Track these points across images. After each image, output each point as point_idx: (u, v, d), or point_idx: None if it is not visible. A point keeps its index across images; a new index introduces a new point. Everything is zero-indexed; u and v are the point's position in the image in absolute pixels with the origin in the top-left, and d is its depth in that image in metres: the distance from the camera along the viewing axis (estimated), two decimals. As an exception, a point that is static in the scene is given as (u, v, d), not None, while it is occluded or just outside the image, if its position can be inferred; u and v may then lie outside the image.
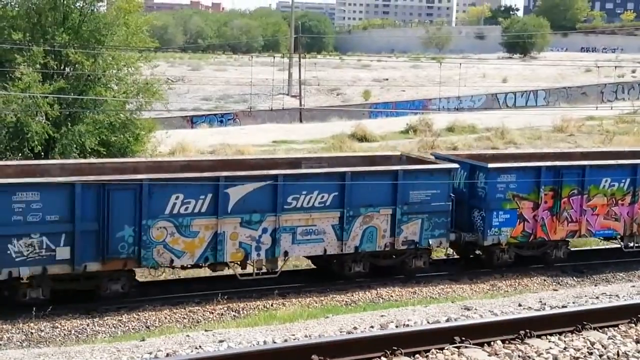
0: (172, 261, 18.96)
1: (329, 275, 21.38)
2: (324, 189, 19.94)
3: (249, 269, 20.14)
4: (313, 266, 22.43)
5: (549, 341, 12.55)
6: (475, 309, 15.53)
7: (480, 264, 23.13)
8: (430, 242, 21.47)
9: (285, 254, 20.05)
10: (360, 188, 20.22)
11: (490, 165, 21.99)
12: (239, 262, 19.86)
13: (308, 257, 21.77)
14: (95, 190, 17.90)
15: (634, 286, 19.16)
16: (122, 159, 25.01)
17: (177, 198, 18.57)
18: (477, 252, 23.27)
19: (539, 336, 12.69)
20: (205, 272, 21.53)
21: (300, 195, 19.76)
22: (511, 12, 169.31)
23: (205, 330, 14.83)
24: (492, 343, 12.32)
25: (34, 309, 17.83)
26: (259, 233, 19.54)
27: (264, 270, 20.22)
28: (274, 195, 19.46)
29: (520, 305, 16.04)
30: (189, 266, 19.82)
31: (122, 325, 18.01)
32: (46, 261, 17.78)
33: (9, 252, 17.45)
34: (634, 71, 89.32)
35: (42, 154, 26.87)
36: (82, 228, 17.89)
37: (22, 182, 17.64)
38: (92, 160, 23.76)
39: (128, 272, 18.98)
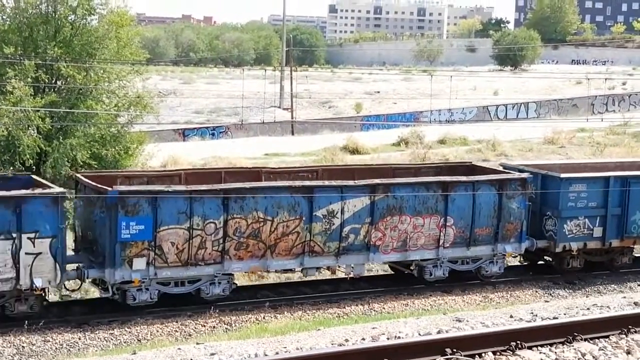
0: None
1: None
2: None
3: None
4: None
5: (540, 352, 12.60)
6: (467, 321, 15.56)
7: None
8: None
9: None
10: None
11: None
12: None
13: None
14: (620, 182, 23.58)
15: (625, 297, 19.24)
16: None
17: None
18: None
19: (530, 347, 12.74)
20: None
21: None
22: (502, 25, 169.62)
23: (197, 344, 14.83)
24: (483, 355, 12.37)
25: (26, 322, 17.82)
26: None
27: None
28: None
29: (511, 316, 16.09)
30: None
31: (114, 339, 17.99)
32: (586, 238, 23.54)
33: (564, 230, 23.18)
34: (624, 83, 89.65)
35: (34, 167, 26.83)
36: (612, 213, 23.60)
37: (576, 176, 23.44)
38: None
39: (630, 250, 25.04)
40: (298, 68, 76.81)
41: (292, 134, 61.92)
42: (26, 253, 17.74)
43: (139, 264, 18.75)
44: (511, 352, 12.52)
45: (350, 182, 20.83)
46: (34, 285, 17.92)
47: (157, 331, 18.49)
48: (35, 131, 26.87)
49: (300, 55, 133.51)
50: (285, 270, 21.47)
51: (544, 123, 56.74)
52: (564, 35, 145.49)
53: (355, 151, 44.00)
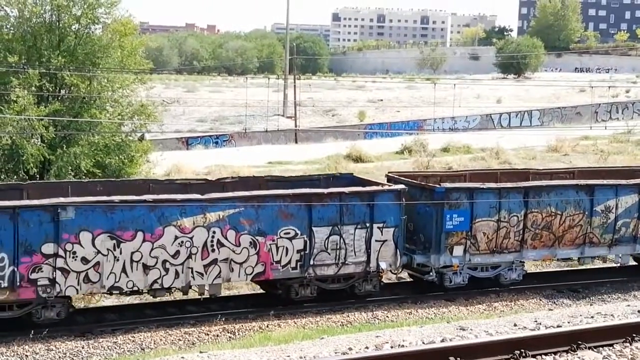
0: None
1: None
2: None
3: None
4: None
5: (544, 361, 12.55)
6: (471, 329, 15.53)
7: None
8: None
9: None
10: None
11: None
12: None
13: None
14: None
15: (629, 305, 19.18)
16: None
17: None
18: None
19: (534, 356, 12.70)
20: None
21: None
22: (505, 33, 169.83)
23: (200, 352, 14.81)
24: (487, 363, 12.32)
25: (32, 332, 17.81)
26: None
27: None
28: None
29: (515, 325, 16.05)
30: None
31: (117, 347, 17.97)
32: None
33: None
34: (627, 91, 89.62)
35: (37, 176, 26.87)
36: None
37: None
38: None
39: None
40: (301, 76, 76.86)
41: (296, 142, 61.92)
42: (376, 240, 21.11)
43: (458, 250, 22.16)
44: (515, 361, 12.48)
45: (623, 182, 24.10)
46: (380, 268, 21.37)
47: (161, 339, 18.47)
48: (39, 140, 26.93)
49: (304, 63, 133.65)
50: (566, 259, 24.95)
51: (547, 131, 56.70)
52: (567, 43, 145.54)
53: (358, 159, 44.02)
